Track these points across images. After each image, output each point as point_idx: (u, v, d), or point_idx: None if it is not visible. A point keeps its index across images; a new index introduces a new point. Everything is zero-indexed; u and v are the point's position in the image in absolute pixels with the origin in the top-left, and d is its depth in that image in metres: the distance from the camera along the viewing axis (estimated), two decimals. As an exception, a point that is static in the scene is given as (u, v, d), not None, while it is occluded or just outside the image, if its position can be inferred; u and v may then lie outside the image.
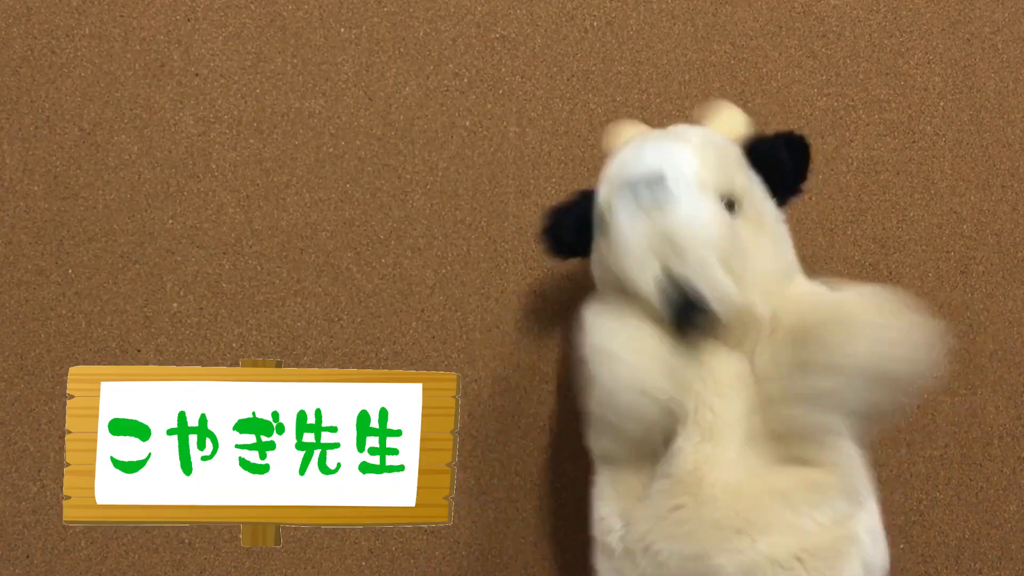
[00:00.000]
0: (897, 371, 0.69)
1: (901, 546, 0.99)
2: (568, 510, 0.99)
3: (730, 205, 0.73)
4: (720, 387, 0.72)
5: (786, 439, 0.71)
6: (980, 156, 1.00)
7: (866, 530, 0.72)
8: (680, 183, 0.70)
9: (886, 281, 1.00)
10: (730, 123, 0.80)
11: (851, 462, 0.72)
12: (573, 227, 0.79)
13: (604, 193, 0.76)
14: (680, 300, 0.70)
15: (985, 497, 0.99)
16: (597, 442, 0.78)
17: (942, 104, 1.00)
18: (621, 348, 0.71)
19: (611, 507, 0.77)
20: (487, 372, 0.99)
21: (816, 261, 0.99)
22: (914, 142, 1.00)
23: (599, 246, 0.77)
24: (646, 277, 0.70)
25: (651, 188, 0.70)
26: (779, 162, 0.76)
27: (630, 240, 0.70)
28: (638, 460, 0.76)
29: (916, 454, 1.00)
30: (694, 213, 0.69)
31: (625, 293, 0.73)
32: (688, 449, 0.72)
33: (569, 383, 0.99)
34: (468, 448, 0.99)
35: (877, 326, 0.69)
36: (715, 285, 0.69)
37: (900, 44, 1.00)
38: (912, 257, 1.00)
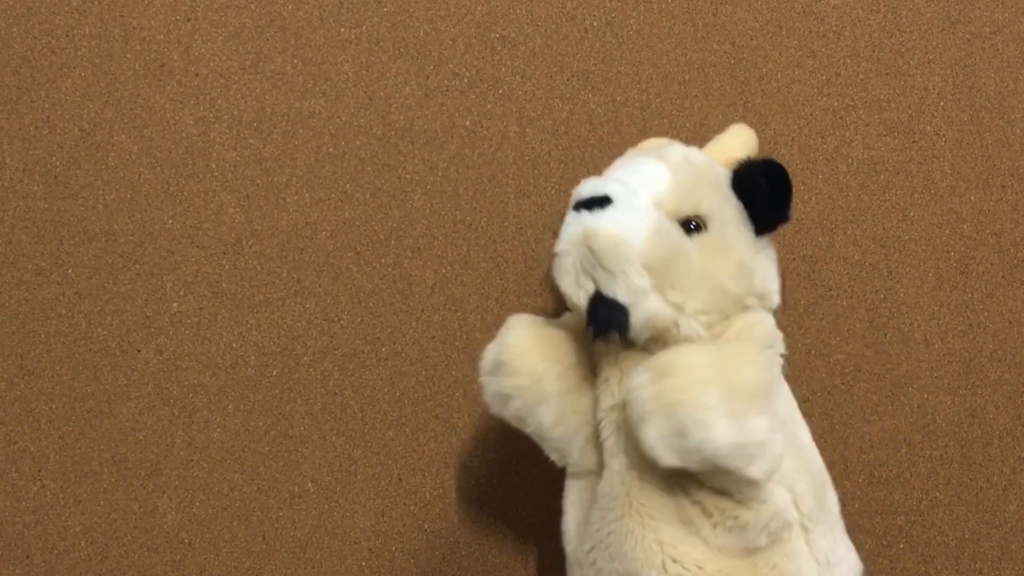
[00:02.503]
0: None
1: (901, 546, 0.99)
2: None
3: (696, 227, 0.73)
4: None
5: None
6: (980, 156, 1.00)
7: (795, 556, 0.72)
8: (623, 201, 0.71)
9: (886, 281, 1.00)
10: (731, 145, 0.80)
11: (770, 502, 0.71)
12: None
13: None
14: (601, 312, 0.70)
15: (985, 497, 0.99)
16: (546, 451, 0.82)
17: (942, 104, 1.00)
18: (507, 354, 0.77)
19: (570, 517, 0.83)
20: (487, 372, 0.99)
21: (816, 261, 1.00)
22: (914, 142, 1.00)
23: None
24: (580, 296, 0.71)
25: (591, 206, 0.71)
26: (756, 189, 0.75)
27: (565, 258, 0.72)
28: (595, 472, 0.78)
29: (916, 454, 1.00)
30: (620, 228, 0.70)
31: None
32: (615, 469, 0.74)
33: (569, 383, 1.00)
34: (468, 448, 0.99)
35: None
36: (630, 295, 0.70)
37: (900, 44, 1.00)
38: (912, 257, 1.00)
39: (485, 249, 0.99)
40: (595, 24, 1.00)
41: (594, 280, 0.70)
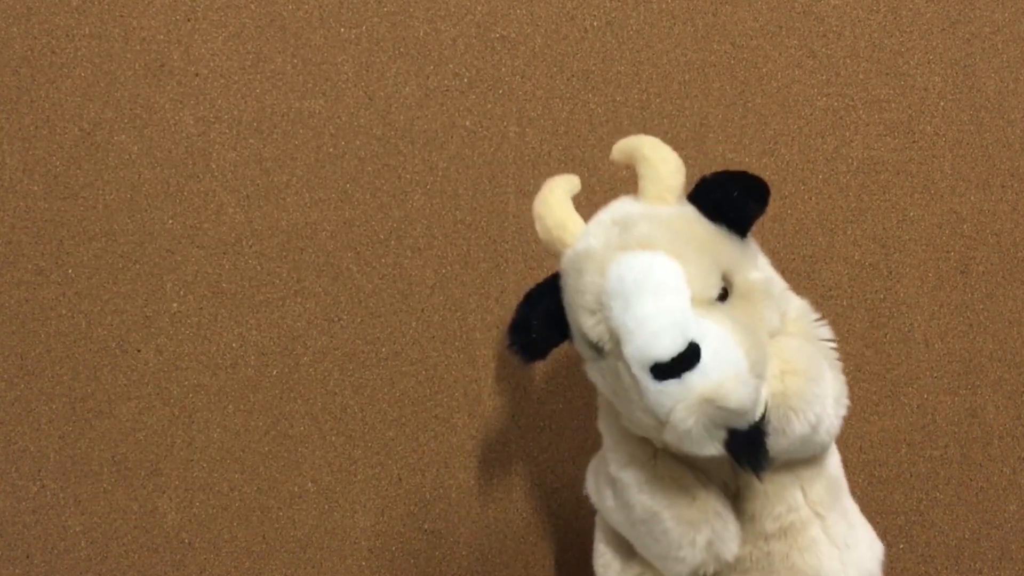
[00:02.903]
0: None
1: (901, 546, 0.99)
2: (568, 510, 0.99)
3: (724, 293, 0.70)
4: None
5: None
6: (980, 156, 1.00)
7: (813, 547, 0.74)
8: (700, 335, 0.66)
9: (886, 281, 1.00)
10: (665, 178, 0.74)
11: (779, 486, 0.73)
12: (543, 329, 0.74)
13: (596, 332, 0.70)
14: (747, 446, 0.67)
15: (985, 497, 0.99)
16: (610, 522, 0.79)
17: (942, 104, 1.00)
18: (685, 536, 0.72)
19: (607, 547, 0.80)
20: (487, 372, 0.99)
21: (816, 261, 1.00)
22: (914, 142, 1.00)
23: (602, 376, 0.73)
24: (716, 446, 0.66)
25: (683, 367, 0.65)
26: (734, 203, 0.72)
27: (693, 429, 0.66)
28: None
29: (916, 454, 1.00)
30: (733, 369, 0.65)
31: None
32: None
33: (569, 383, 1.00)
34: (468, 448, 0.99)
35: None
36: (758, 408, 0.67)
37: (900, 44, 1.00)
38: (912, 257, 1.00)
39: (485, 249, 0.99)
40: (595, 24, 1.00)
41: (727, 426, 0.66)
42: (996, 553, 0.99)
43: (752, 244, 0.75)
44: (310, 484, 0.99)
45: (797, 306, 0.76)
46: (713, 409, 0.64)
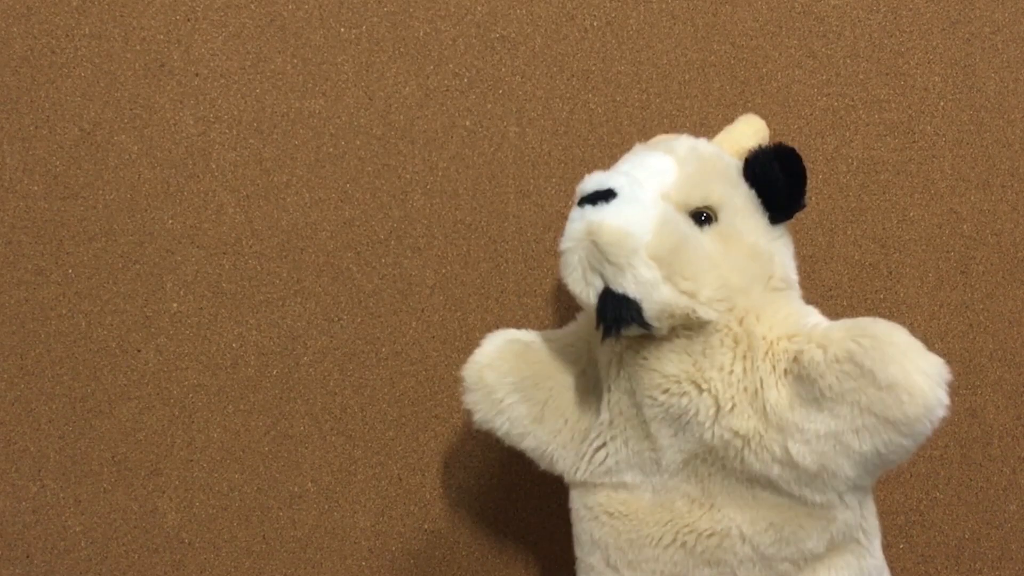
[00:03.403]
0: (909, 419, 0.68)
1: (901, 546, 0.99)
2: (568, 510, 0.99)
3: (706, 218, 0.72)
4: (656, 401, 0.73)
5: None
6: (980, 156, 1.00)
7: (846, 569, 0.73)
8: (627, 194, 0.69)
9: (886, 281, 1.00)
10: (741, 135, 0.79)
11: (844, 510, 0.72)
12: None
13: None
14: (611, 308, 0.69)
15: (985, 497, 1.00)
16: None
17: (942, 104, 1.00)
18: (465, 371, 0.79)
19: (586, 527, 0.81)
20: (487, 372, 0.99)
21: (816, 261, 1.00)
22: (914, 142, 1.00)
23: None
24: (588, 293, 0.69)
25: (595, 200, 0.69)
26: (771, 177, 0.73)
27: (571, 255, 0.69)
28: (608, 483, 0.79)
29: (916, 454, 1.00)
30: (625, 221, 0.68)
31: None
32: (640, 485, 0.76)
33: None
34: (468, 448, 0.99)
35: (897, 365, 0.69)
36: (640, 288, 0.68)
37: (900, 44, 1.00)
38: (912, 257, 1.00)
39: (485, 249, 0.99)
40: (595, 24, 1.00)
41: (602, 276, 0.68)
42: (996, 553, 1.00)
43: (784, 238, 0.77)
44: (310, 484, 0.99)
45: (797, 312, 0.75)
46: (591, 246, 0.68)
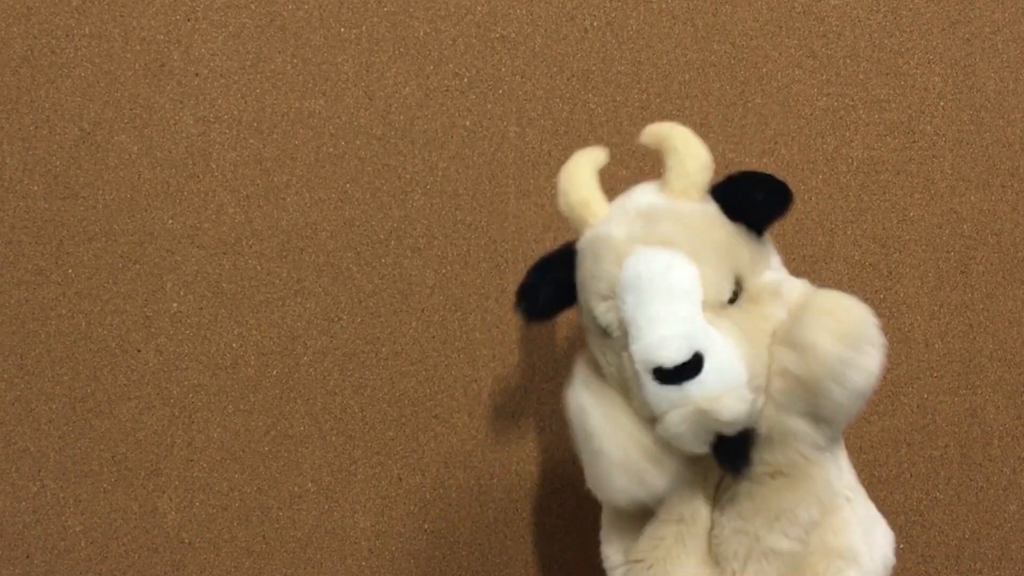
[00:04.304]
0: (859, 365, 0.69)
1: (901, 546, 0.99)
2: (568, 510, 0.99)
3: (734, 295, 0.71)
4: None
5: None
6: (980, 156, 1.00)
7: (846, 529, 0.73)
8: (709, 346, 0.67)
9: (886, 281, 1.00)
10: (692, 173, 0.74)
11: (818, 468, 0.73)
12: (552, 296, 0.76)
13: (607, 319, 0.72)
14: (729, 448, 0.69)
15: (985, 497, 1.00)
16: (597, 495, 0.79)
17: (942, 104, 1.00)
18: (612, 447, 0.71)
19: (612, 546, 0.80)
20: (487, 372, 0.99)
21: (816, 261, 1.00)
22: (914, 142, 1.00)
23: (602, 353, 0.74)
24: (702, 447, 0.69)
25: (684, 376, 0.67)
26: (759, 208, 0.73)
27: (686, 435, 0.68)
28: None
29: (916, 454, 1.00)
30: (732, 387, 0.67)
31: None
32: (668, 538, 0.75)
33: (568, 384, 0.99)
34: (468, 448, 0.99)
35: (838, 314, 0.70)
36: (751, 419, 0.69)
37: (900, 44, 1.00)
38: (912, 257, 1.00)
39: (485, 249, 0.99)
40: (595, 24, 1.00)
41: (718, 433, 0.68)
42: (996, 553, 0.99)
43: (768, 244, 0.76)
44: (310, 484, 0.99)
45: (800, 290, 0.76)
46: (707, 420, 0.67)
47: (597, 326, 0.73)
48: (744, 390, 0.68)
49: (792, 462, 0.72)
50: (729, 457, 0.69)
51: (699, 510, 0.74)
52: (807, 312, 0.70)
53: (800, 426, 0.71)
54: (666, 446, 0.70)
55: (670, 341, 0.67)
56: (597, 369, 0.76)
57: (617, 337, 0.71)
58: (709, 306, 0.69)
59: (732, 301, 0.71)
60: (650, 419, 0.70)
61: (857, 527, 0.74)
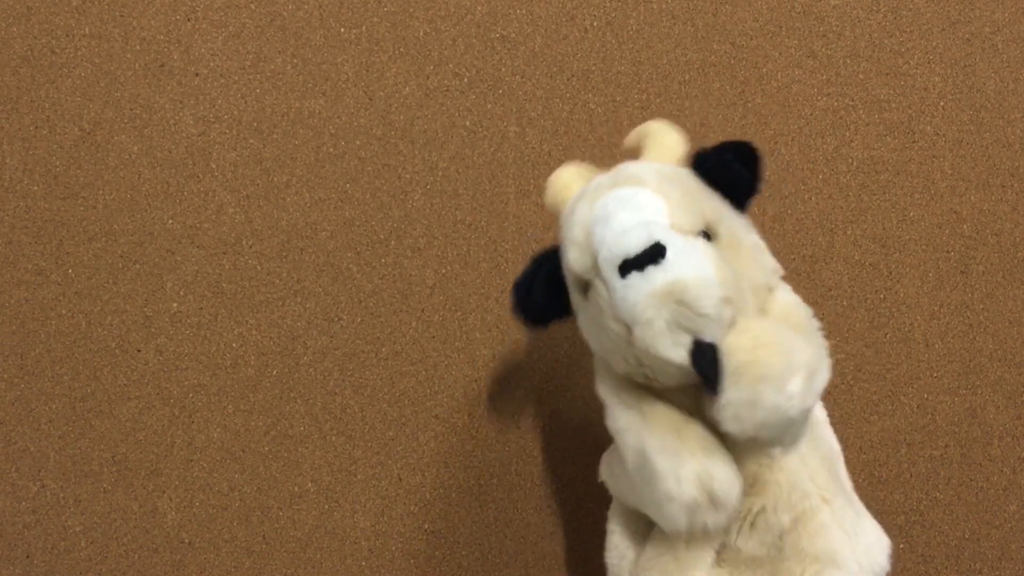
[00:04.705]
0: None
1: (901, 546, 0.99)
2: (568, 510, 0.99)
3: (707, 237, 0.71)
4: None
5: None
6: (980, 156, 1.00)
7: (823, 532, 0.73)
8: (671, 242, 0.68)
9: (886, 281, 1.00)
10: (668, 148, 0.77)
11: (781, 473, 0.73)
12: (545, 292, 0.76)
13: (581, 263, 0.72)
14: (709, 361, 0.67)
15: (985, 497, 1.00)
16: (617, 495, 0.79)
17: (942, 104, 1.00)
18: (678, 490, 0.69)
19: (622, 538, 0.79)
20: (487, 372, 0.99)
21: (816, 261, 1.00)
22: (914, 142, 1.00)
23: (589, 320, 0.74)
24: (679, 352, 0.67)
25: (652, 260, 0.67)
26: (733, 172, 0.74)
27: (655, 322, 0.67)
28: None
29: (916, 454, 1.00)
30: (701, 272, 0.67)
31: (659, 373, 0.71)
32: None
33: (569, 383, 1.00)
34: (468, 448, 0.99)
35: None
36: (722, 332, 0.68)
37: (900, 44, 1.00)
38: (912, 257, 1.00)
39: (485, 249, 0.99)
40: (595, 24, 1.00)
41: (692, 331, 0.67)
42: (996, 553, 1.00)
43: (748, 222, 0.76)
44: (310, 484, 0.99)
45: (802, 308, 0.76)
46: (676, 306, 0.66)
47: (576, 283, 0.73)
48: (712, 280, 0.67)
49: (751, 472, 0.72)
50: (708, 366, 0.67)
51: None
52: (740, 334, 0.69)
53: (743, 442, 0.70)
54: (728, 488, 0.69)
55: (631, 232, 0.68)
56: (631, 388, 0.74)
57: (592, 281, 0.71)
58: (676, 228, 0.69)
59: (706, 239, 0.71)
60: (627, 336, 0.69)
61: (837, 529, 0.72)
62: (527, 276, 0.78)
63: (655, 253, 0.67)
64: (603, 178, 0.75)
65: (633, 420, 0.73)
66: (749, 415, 0.67)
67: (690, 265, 0.67)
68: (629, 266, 0.67)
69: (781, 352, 0.68)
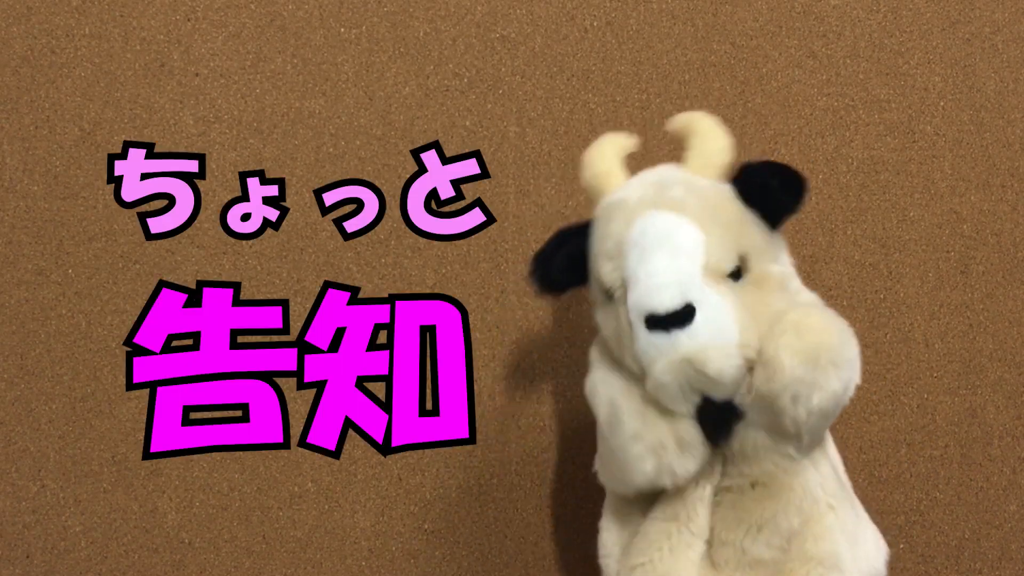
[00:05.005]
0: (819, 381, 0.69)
1: (901, 546, 0.99)
2: (568, 510, 0.99)
3: (737, 272, 0.72)
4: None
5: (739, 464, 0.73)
6: (980, 156, 1.00)
7: (827, 535, 0.73)
8: (699, 300, 0.68)
9: (886, 281, 1.00)
10: (712, 154, 0.76)
11: (796, 478, 0.73)
12: (564, 267, 0.77)
13: (611, 279, 0.73)
14: (717, 420, 0.70)
15: (985, 497, 1.00)
16: (604, 480, 0.79)
17: (942, 104, 1.00)
18: (646, 431, 0.71)
19: (611, 534, 0.80)
20: (487, 373, 0.99)
21: (816, 261, 1.00)
22: (914, 142, 1.00)
23: (606, 316, 0.75)
24: (688, 407, 0.70)
25: (676, 322, 0.68)
26: (774, 199, 0.74)
27: (670, 385, 0.69)
28: (644, 497, 0.77)
29: (916, 454, 1.00)
30: (722, 339, 0.68)
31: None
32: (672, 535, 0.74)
33: (569, 383, 1.00)
34: (468, 448, 0.99)
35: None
36: (739, 387, 0.69)
37: (900, 44, 1.00)
38: (912, 257, 1.00)
39: (485, 249, 0.99)
40: (595, 24, 1.00)
41: (705, 393, 0.69)
42: (996, 553, 0.99)
43: (779, 239, 0.76)
44: (310, 484, 0.99)
45: (808, 299, 0.76)
46: (692, 371, 0.67)
47: (602, 289, 0.74)
48: (734, 349, 0.68)
49: (767, 472, 0.72)
50: (711, 426, 0.70)
51: (696, 512, 0.74)
52: (775, 327, 0.70)
53: (766, 439, 0.71)
54: (695, 435, 0.70)
55: (664, 288, 0.69)
56: (611, 357, 0.76)
57: (619, 297, 0.72)
58: (710, 272, 0.70)
59: (736, 278, 0.71)
60: (641, 375, 0.70)
61: (840, 534, 0.73)
62: (548, 250, 0.78)
63: (684, 317, 0.68)
64: (646, 190, 0.74)
65: (610, 376, 0.74)
66: (807, 395, 0.68)
67: (716, 333, 0.68)
68: (657, 323, 0.68)
69: (843, 340, 0.70)
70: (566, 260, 0.77)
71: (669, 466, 0.70)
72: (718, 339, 0.68)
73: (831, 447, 0.78)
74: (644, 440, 0.70)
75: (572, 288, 0.79)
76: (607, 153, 0.79)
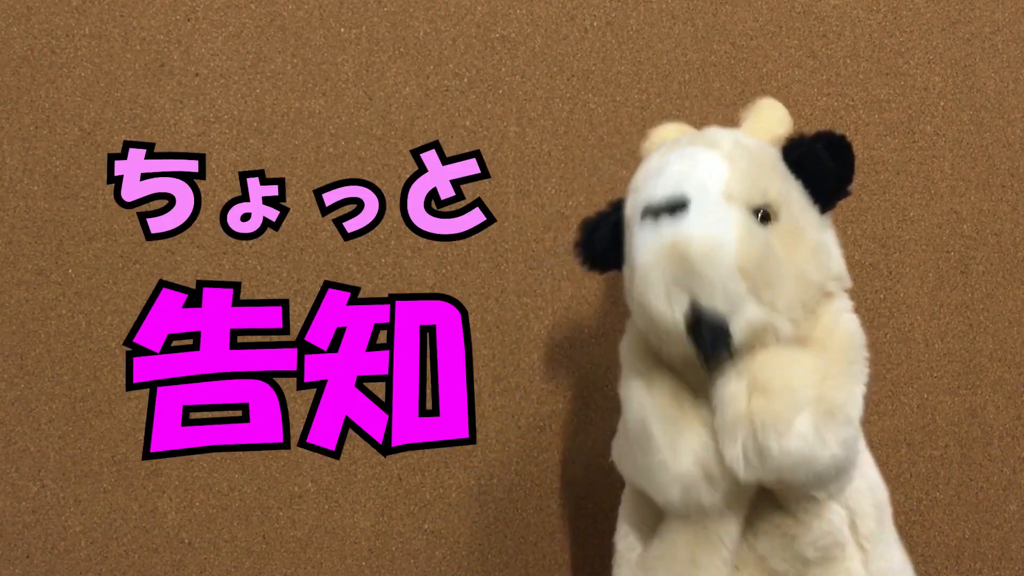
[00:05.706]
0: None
1: (901, 546, 0.99)
2: (569, 510, 0.99)
3: (765, 216, 0.67)
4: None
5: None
6: (980, 156, 1.00)
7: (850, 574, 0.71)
8: (700, 201, 0.65)
9: (886, 281, 1.00)
10: (770, 122, 0.74)
11: (816, 519, 0.70)
12: (608, 238, 0.73)
13: (628, 208, 0.70)
14: (708, 331, 0.64)
15: (985, 497, 1.00)
16: (625, 475, 0.77)
17: (942, 104, 1.00)
18: (673, 460, 0.67)
19: (632, 527, 0.77)
20: (487, 372, 0.99)
21: (816, 261, 0.99)
22: (914, 142, 1.00)
23: (624, 271, 0.71)
24: (673, 313, 0.64)
25: (671, 211, 0.64)
26: (820, 165, 0.70)
27: (652, 273, 0.65)
28: None
29: (916, 454, 1.00)
30: (713, 233, 0.64)
31: (653, 334, 0.68)
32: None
33: (569, 383, 1.00)
34: (468, 448, 0.99)
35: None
36: (729, 305, 0.64)
37: (900, 44, 1.00)
38: (912, 257, 1.00)
39: (485, 249, 0.99)
40: (595, 24, 1.00)
41: (690, 293, 0.63)
42: (996, 553, 0.99)
43: (829, 227, 0.73)
44: (310, 484, 0.99)
45: (852, 328, 0.72)
46: (678, 265, 0.63)
47: (628, 228, 0.70)
48: (727, 251, 0.63)
49: (786, 510, 0.70)
50: (704, 340, 0.64)
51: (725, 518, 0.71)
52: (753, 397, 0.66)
53: (781, 489, 0.69)
54: (720, 468, 0.66)
55: (665, 181, 0.66)
56: (645, 355, 0.72)
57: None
58: (729, 197, 0.66)
59: (762, 222, 0.67)
60: (671, 362, 0.67)
61: None
62: (598, 218, 0.75)
63: (676, 204, 0.64)
64: (688, 137, 0.73)
65: (639, 387, 0.71)
66: (760, 464, 0.65)
67: (707, 224, 0.64)
68: (648, 212, 0.66)
69: (782, 392, 0.65)
70: (611, 229, 0.73)
71: (696, 500, 0.67)
72: (709, 233, 0.63)
73: (876, 480, 0.75)
74: (671, 472, 0.67)
75: (614, 264, 0.74)
76: (670, 130, 0.78)
